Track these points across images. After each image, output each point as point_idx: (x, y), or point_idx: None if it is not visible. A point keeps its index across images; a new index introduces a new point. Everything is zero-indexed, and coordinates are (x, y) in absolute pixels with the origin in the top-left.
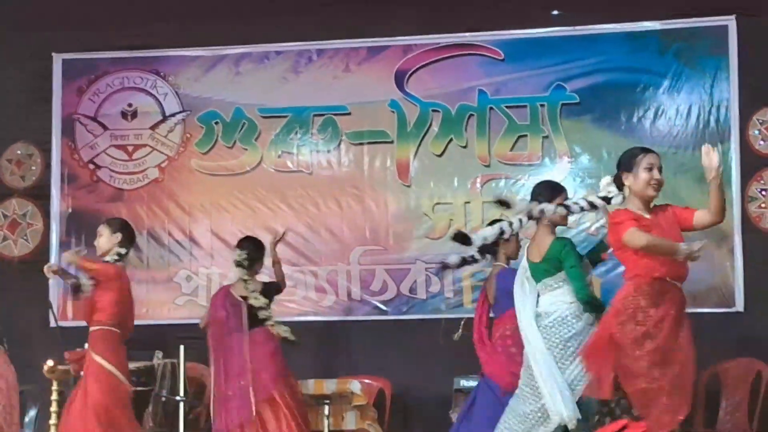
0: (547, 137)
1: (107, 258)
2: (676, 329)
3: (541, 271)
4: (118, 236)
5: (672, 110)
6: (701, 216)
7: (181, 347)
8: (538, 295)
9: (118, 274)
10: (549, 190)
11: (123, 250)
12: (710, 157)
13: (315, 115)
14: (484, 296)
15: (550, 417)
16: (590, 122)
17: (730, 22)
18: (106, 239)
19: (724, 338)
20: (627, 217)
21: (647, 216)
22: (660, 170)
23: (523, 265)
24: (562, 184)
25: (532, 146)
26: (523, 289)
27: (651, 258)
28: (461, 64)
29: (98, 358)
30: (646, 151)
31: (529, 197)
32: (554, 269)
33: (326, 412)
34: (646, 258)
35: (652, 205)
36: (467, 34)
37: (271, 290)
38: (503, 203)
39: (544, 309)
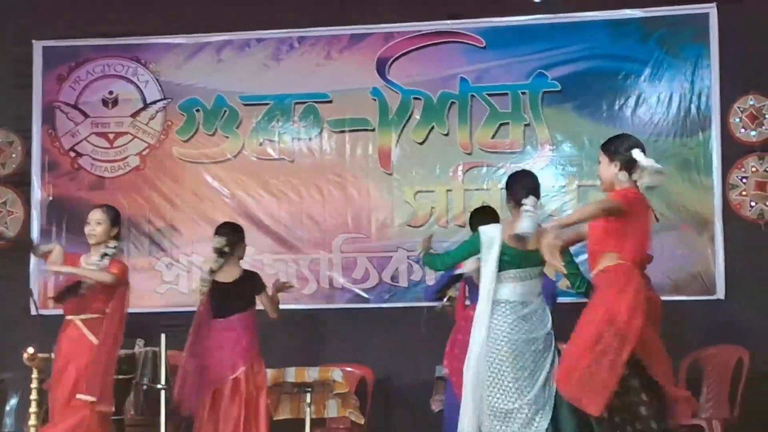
0: (528, 125)
1: (105, 251)
2: None
3: (533, 260)
4: (115, 231)
5: (653, 98)
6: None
7: (163, 335)
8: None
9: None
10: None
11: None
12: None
13: (296, 103)
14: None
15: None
16: (572, 110)
17: (711, 9)
18: (103, 230)
19: (705, 326)
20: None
21: None
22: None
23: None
24: (544, 172)
25: (514, 134)
26: (493, 275)
27: None
28: (443, 51)
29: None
30: None
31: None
32: (542, 261)
33: (308, 400)
34: None
35: None
36: (449, 21)
37: (249, 280)
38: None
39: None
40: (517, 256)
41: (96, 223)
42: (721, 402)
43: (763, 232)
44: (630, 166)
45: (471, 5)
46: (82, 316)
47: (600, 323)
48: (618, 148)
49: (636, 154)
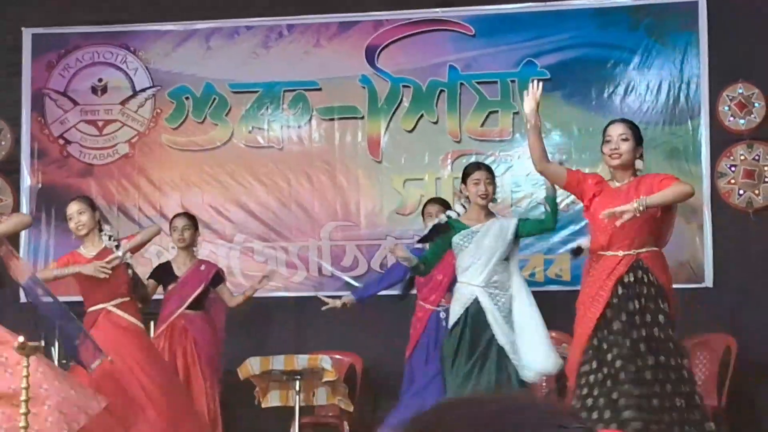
0: (517, 113)
1: (109, 238)
2: None
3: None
4: (97, 215)
5: (642, 86)
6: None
7: (151, 323)
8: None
9: None
10: None
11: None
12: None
13: (285, 91)
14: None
15: None
16: (561, 98)
17: None
18: (89, 217)
19: (693, 314)
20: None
21: (613, 185)
22: (626, 140)
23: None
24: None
25: (503, 122)
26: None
27: None
28: (432, 39)
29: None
30: (610, 123)
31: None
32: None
33: (297, 387)
34: None
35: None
36: (438, 9)
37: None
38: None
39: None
40: None
41: (78, 213)
42: (709, 390)
43: (751, 220)
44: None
45: None
46: (117, 302)
47: None
48: (640, 135)
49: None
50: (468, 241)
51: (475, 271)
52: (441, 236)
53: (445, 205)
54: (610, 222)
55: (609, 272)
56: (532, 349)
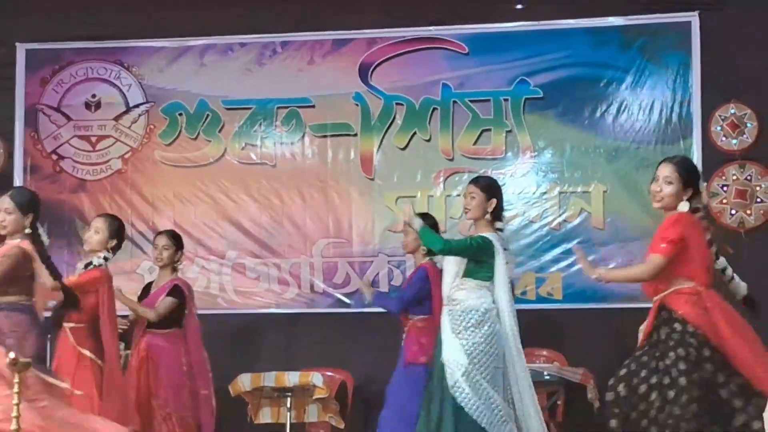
0: (510, 131)
1: (95, 260)
2: None
3: None
4: (113, 242)
5: (635, 106)
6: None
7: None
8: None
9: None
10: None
11: (111, 255)
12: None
13: (279, 108)
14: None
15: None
16: (554, 117)
17: (693, 18)
18: (100, 240)
19: None
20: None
21: None
22: (670, 183)
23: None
24: (526, 178)
25: (496, 140)
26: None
27: None
28: (425, 57)
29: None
30: (662, 161)
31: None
32: None
33: (288, 404)
34: None
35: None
36: (431, 27)
37: None
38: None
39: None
40: None
41: (94, 231)
42: None
43: (743, 240)
44: (693, 197)
45: (454, 12)
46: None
47: None
48: (693, 176)
49: (702, 188)
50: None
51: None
52: None
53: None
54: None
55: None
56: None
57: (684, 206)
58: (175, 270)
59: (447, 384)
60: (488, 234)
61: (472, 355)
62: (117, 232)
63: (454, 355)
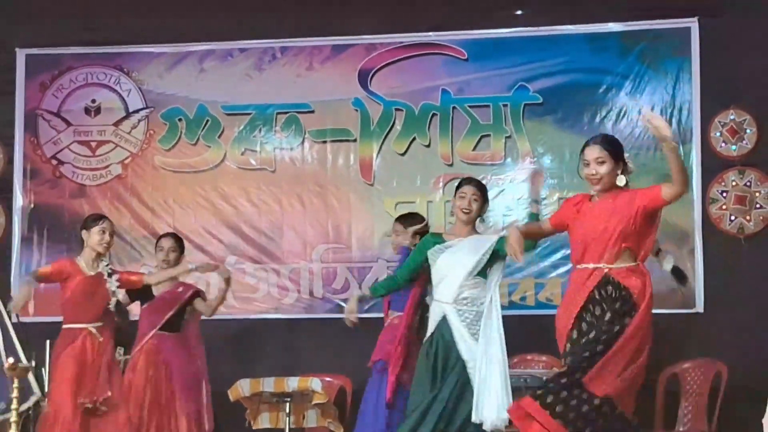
0: (509, 137)
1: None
2: None
3: None
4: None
5: (634, 111)
6: (667, 189)
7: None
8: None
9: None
10: None
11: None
12: (654, 123)
13: (278, 113)
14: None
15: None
16: (553, 123)
17: (693, 24)
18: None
19: (683, 339)
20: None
21: (594, 201)
22: (602, 162)
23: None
24: (525, 184)
25: (495, 146)
26: None
27: None
28: (425, 63)
29: None
30: (586, 144)
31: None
32: None
33: (287, 409)
34: None
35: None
36: (431, 33)
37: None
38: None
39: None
40: None
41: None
42: (699, 416)
43: (742, 246)
44: (625, 169)
45: (453, 18)
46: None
47: None
48: (620, 151)
49: (628, 160)
50: (437, 255)
51: (444, 288)
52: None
53: (410, 222)
54: (586, 231)
55: (580, 285)
56: (487, 395)
57: (621, 180)
58: None
59: (467, 380)
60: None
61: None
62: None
63: (474, 355)
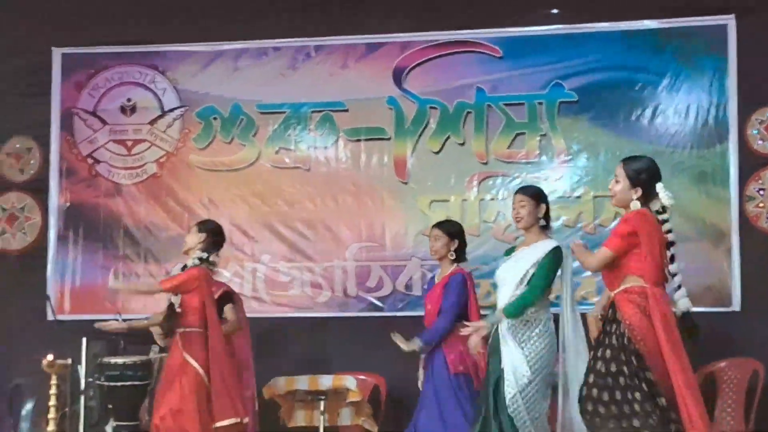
0: (544, 135)
1: (189, 261)
2: None
3: None
4: (202, 236)
5: (670, 109)
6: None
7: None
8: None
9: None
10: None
11: (204, 255)
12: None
13: (313, 112)
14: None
15: None
16: (588, 120)
17: (730, 21)
18: (192, 237)
19: (720, 338)
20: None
21: None
22: (615, 178)
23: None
24: (560, 182)
25: (530, 144)
26: None
27: None
28: (459, 61)
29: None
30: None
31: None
32: None
33: (321, 408)
34: None
35: None
36: (465, 31)
37: None
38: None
39: None
40: None
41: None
42: (736, 415)
43: None
44: (649, 197)
45: (488, 15)
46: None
47: None
48: (642, 176)
49: (660, 189)
50: (499, 265)
51: (500, 297)
52: None
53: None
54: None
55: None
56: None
57: (635, 205)
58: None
59: (503, 394)
60: (548, 242)
61: (534, 366)
62: (206, 228)
63: (518, 365)
